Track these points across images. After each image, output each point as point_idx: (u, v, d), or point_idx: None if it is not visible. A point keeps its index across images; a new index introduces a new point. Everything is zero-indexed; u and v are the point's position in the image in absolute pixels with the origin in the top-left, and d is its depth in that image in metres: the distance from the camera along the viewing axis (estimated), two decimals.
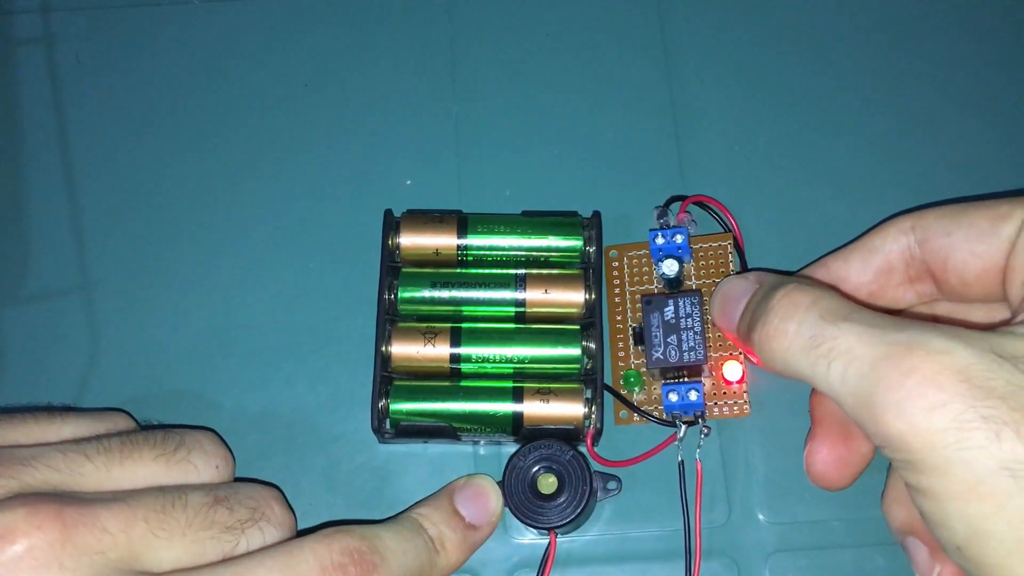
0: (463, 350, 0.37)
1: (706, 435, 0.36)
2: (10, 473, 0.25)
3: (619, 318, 0.39)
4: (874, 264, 0.33)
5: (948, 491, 0.24)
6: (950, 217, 0.31)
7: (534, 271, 0.38)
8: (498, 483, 0.34)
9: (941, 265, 0.31)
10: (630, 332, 0.38)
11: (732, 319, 0.33)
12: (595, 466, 0.36)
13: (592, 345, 0.37)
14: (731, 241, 0.38)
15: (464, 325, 0.37)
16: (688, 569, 0.35)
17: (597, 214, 0.39)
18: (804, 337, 0.28)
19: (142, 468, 0.28)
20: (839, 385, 0.26)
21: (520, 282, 0.38)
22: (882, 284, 0.33)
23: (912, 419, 0.25)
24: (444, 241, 0.38)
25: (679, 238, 0.37)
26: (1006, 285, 0.29)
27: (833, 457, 0.33)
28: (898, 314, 0.31)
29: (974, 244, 0.30)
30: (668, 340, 0.36)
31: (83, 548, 0.24)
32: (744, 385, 0.37)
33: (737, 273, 0.37)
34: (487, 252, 0.38)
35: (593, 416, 0.36)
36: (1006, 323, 0.28)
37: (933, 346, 0.25)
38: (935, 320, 0.31)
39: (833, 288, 0.31)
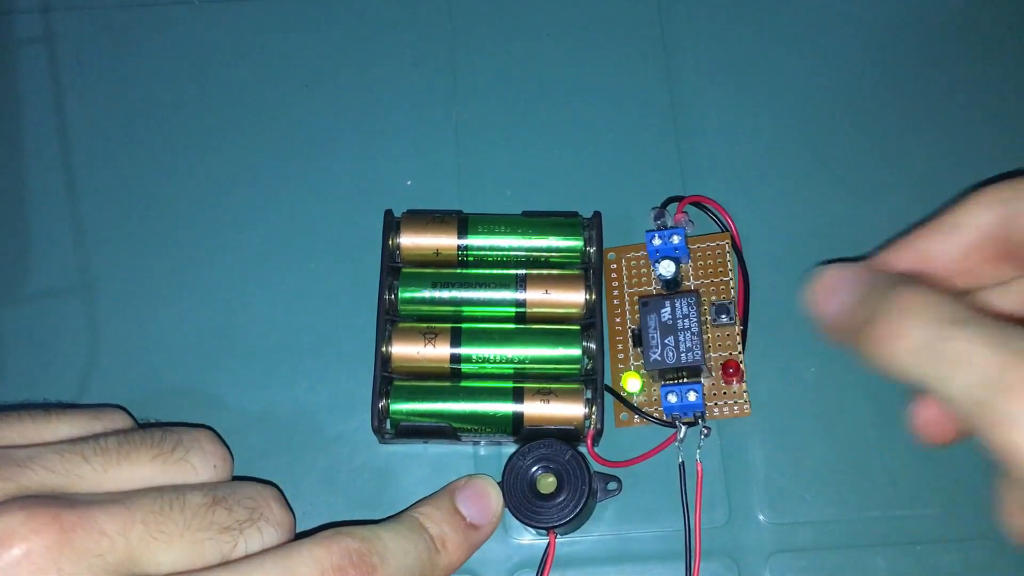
0: (463, 350, 0.37)
1: (706, 435, 0.36)
2: (6, 475, 0.25)
3: (618, 320, 0.38)
4: (960, 241, 0.30)
5: None
6: None
7: (534, 271, 0.38)
8: (498, 483, 0.34)
9: None
10: (629, 334, 0.38)
11: (835, 310, 0.30)
12: (595, 466, 0.36)
13: (592, 345, 0.37)
14: (728, 241, 0.38)
15: (464, 325, 0.37)
16: (688, 569, 0.35)
17: (597, 214, 0.39)
18: (924, 340, 0.25)
19: (140, 469, 0.28)
20: (958, 392, 0.24)
21: (520, 282, 0.38)
22: (969, 262, 0.30)
23: None
24: (444, 241, 0.38)
25: (676, 239, 0.37)
26: None
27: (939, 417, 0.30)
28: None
29: None
30: (665, 341, 0.36)
31: (81, 552, 0.24)
32: (744, 385, 0.37)
33: (836, 265, 0.34)
34: (487, 252, 0.38)
35: (593, 417, 0.36)
36: None
37: None
38: None
39: (950, 292, 0.29)
